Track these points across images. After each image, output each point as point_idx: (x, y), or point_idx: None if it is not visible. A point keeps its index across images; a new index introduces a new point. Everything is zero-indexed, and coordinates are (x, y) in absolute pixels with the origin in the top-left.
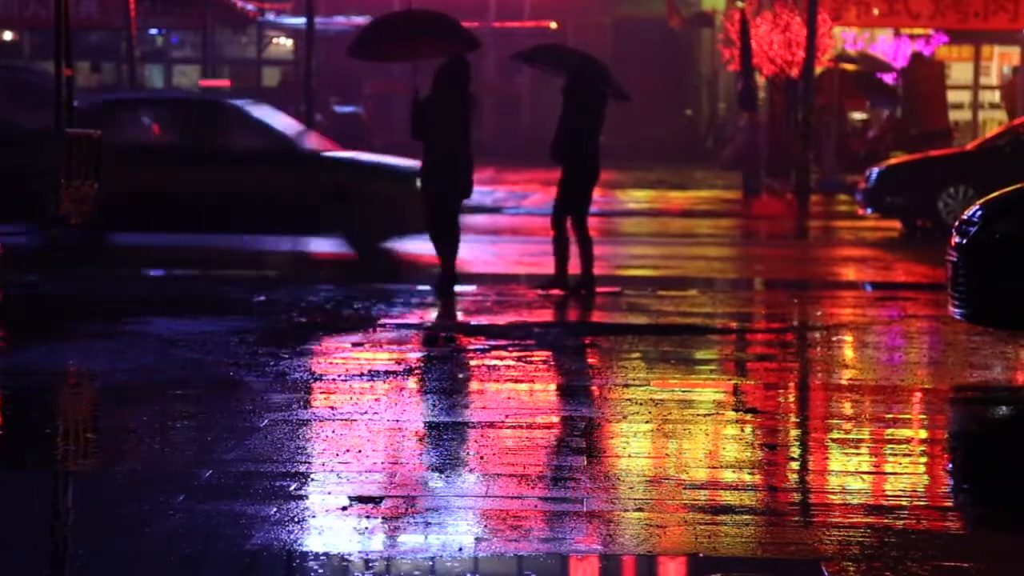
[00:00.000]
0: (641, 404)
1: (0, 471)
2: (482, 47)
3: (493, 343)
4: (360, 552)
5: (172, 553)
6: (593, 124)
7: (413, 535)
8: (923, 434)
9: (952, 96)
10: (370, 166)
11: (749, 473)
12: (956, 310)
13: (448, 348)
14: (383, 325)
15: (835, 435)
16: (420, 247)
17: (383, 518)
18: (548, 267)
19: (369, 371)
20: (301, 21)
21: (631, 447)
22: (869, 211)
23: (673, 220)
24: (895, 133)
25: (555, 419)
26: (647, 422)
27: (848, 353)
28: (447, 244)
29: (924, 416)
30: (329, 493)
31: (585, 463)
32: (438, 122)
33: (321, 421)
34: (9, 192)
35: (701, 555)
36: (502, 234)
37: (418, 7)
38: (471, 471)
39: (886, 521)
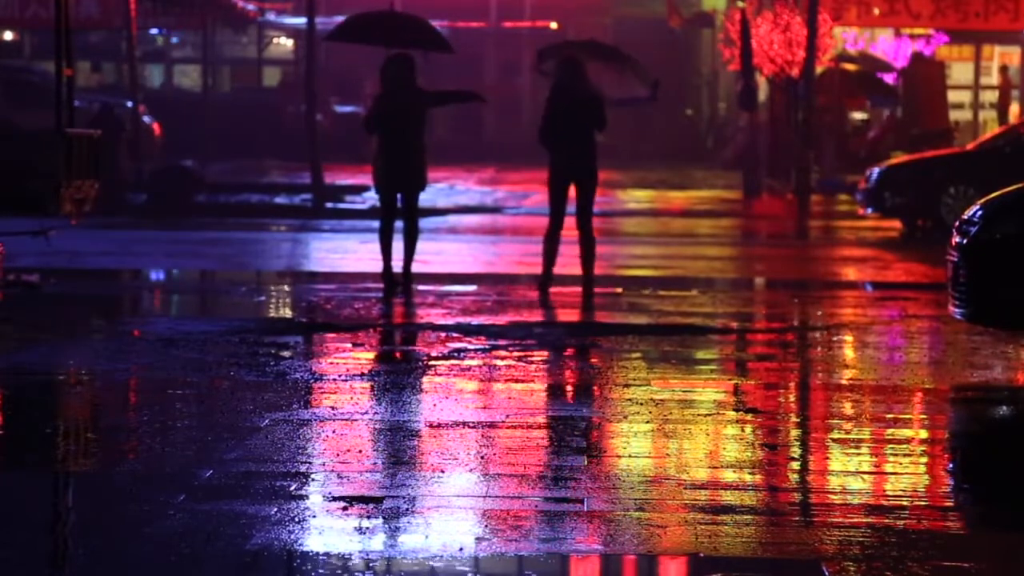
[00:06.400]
0: (642, 404)
1: (0, 471)
2: (477, 49)
3: (493, 343)
4: (360, 552)
5: (172, 553)
6: (566, 128)
7: (413, 535)
8: (923, 434)
9: (952, 96)
10: None
11: (750, 473)
12: (956, 310)
13: (447, 348)
14: (381, 324)
15: (835, 435)
16: None
17: (383, 518)
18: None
19: (370, 371)
20: (301, 21)
21: (631, 447)
22: (869, 211)
23: (674, 220)
24: (895, 133)
25: (555, 419)
26: (647, 422)
27: (848, 353)
28: (407, 239)
29: (924, 416)
30: (329, 493)
31: (585, 463)
32: (387, 117)
33: (321, 421)
34: (9, 192)
35: (702, 555)
36: (502, 234)
37: (398, 11)
38: (471, 471)
39: (886, 521)
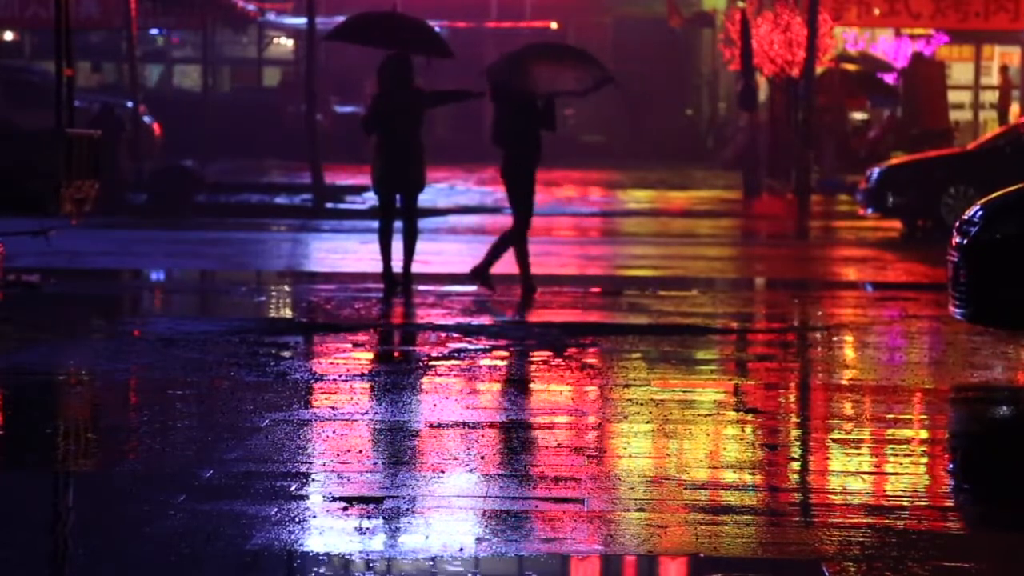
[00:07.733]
0: (642, 404)
1: (0, 471)
2: (477, 49)
3: (493, 343)
4: (360, 552)
5: (172, 553)
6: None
7: (413, 535)
8: (923, 434)
9: (952, 96)
10: None
11: (750, 473)
12: (957, 310)
13: (447, 348)
14: (381, 324)
15: (836, 435)
16: None
17: (383, 518)
18: (548, 267)
19: (370, 371)
20: (301, 21)
21: (632, 447)
22: (870, 211)
23: (673, 220)
24: (896, 133)
25: (555, 419)
26: (648, 422)
27: (849, 353)
28: (406, 239)
29: (924, 416)
30: (329, 493)
31: (585, 463)
32: (386, 117)
33: (321, 421)
34: (9, 192)
35: (702, 555)
36: None
37: (400, 12)
38: (471, 471)
39: (887, 521)
